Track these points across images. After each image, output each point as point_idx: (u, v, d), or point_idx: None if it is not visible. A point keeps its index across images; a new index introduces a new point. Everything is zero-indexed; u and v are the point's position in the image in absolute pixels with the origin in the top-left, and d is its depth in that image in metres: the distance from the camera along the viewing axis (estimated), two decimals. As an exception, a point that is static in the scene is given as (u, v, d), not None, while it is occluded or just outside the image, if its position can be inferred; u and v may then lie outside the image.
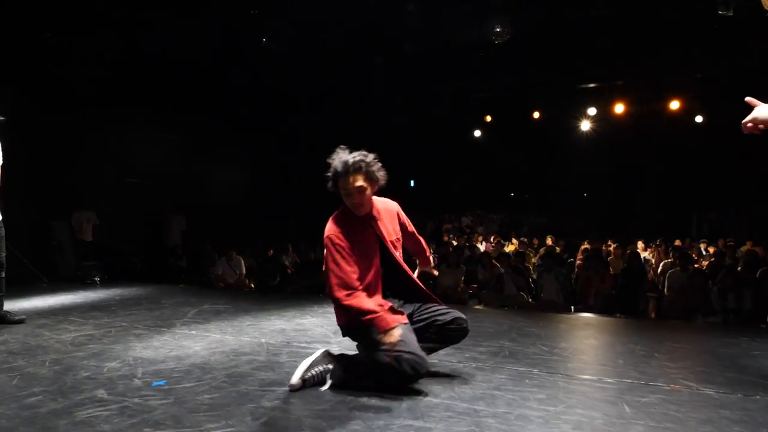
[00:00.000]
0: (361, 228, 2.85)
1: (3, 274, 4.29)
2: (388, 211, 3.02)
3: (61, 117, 8.18)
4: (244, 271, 9.08)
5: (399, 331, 2.57)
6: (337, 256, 2.74)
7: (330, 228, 2.83)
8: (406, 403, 2.44)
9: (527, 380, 2.83)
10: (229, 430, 2.15)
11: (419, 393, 2.58)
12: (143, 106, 9.80)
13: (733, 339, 3.96)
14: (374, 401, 2.47)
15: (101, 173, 9.55)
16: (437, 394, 2.57)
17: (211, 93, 10.73)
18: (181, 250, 10.31)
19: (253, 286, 8.73)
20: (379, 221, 2.91)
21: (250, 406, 2.42)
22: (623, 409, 2.42)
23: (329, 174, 2.79)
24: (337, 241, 2.77)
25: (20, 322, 4.24)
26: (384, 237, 2.89)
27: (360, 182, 2.73)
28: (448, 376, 2.88)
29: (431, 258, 3.40)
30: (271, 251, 10.68)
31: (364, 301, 2.69)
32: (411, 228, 3.21)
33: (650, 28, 9.33)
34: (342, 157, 2.75)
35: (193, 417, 2.28)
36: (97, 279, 6.92)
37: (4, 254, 4.28)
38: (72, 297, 5.74)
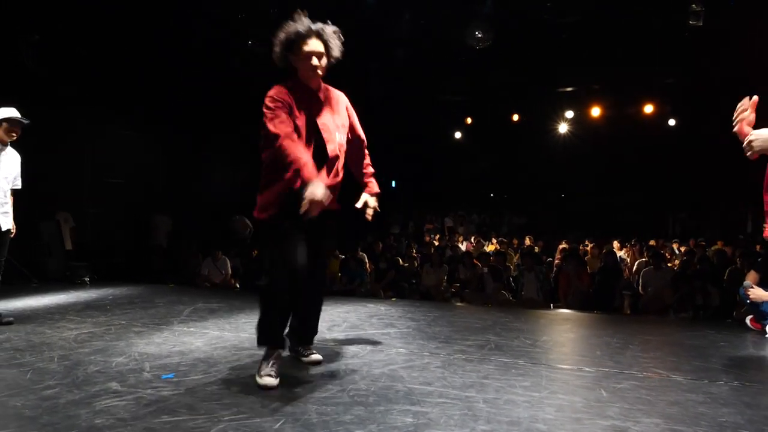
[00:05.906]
0: (308, 100, 2.70)
1: None
2: (337, 95, 2.89)
3: (43, 116, 8.17)
4: (230, 271, 9.19)
5: (323, 191, 2.40)
6: (280, 113, 2.58)
7: (273, 90, 2.65)
8: (402, 391, 2.65)
9: (513, 370, 3.06)
10: (240, 416, 2.32)
11: (414, 381, 2.79)
12: (124, 105, 9.80)
13: (700, 332, 4.25)
14: (374, 389, 2.67)
15: (82, 173, 9.51)
16: (431, 383, 2.78)
17: (194, 91, 10.74)
18: (165, 251, 10.37)
19: (238, 286, 8.85)
20: (329, 99, 2.80)
21: (258, 395, 2.60)
22: (600, 393, 2.65)
23: (282, 39, 2.63)
24: (279, 100, 2.60)
25: (9, 323, 4.21)
26: (332, 116, 2.77)
27: (322, 48, 2.64)
28: (440, 367, 3.09)
29: (373, 180, 3.06)
30: (256, 251, 10.81)
31: (300, 150, 2.54)
32: (358, 129, 2.96)
33: (625, 35, 9.71)
34: (304, 21, 2.62)
35: (206, 405, 2.45)
36: (86, 279, 6.98)
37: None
38: (64, 297, 5.81)
